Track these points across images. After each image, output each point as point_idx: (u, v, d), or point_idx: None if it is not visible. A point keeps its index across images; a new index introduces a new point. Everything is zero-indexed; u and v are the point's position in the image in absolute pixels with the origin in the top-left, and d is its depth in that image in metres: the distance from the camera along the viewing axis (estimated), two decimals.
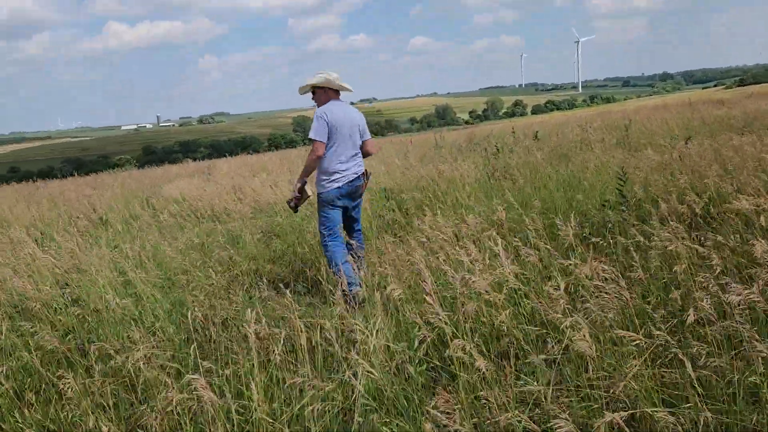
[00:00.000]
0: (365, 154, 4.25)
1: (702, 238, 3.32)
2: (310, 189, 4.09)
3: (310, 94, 4.12)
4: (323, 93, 4.03)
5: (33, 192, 14.10)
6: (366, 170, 4.20)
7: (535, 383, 2.39)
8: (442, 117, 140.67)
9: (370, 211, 6.03)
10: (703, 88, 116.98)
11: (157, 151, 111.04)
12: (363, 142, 4.17)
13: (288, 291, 3.95)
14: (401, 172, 7.90)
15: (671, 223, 3.32)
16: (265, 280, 4.39)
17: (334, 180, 3.96)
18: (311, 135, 3.88)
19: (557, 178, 6.16)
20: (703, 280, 2.46)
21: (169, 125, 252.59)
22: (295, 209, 4.15)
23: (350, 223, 4.23)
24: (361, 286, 3.51)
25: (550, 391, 2.22)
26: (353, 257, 3.77)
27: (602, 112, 26.08)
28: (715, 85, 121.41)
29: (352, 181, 4.02)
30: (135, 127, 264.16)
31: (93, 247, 5.14)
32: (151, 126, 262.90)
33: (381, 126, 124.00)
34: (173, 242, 5.32)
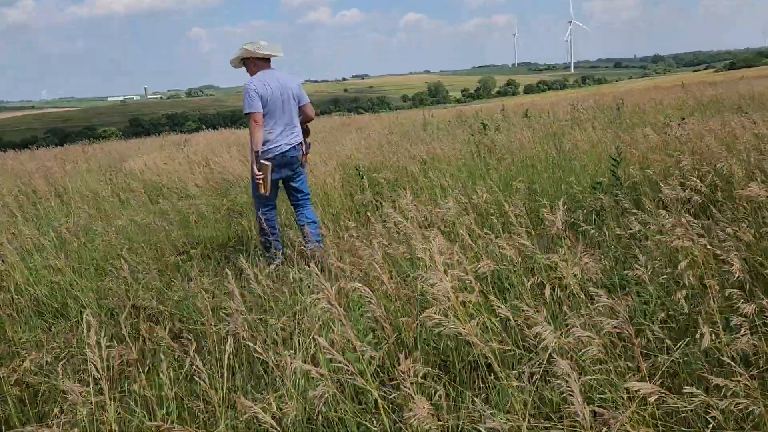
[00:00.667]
0: (306, 119, 4.17)
1: (710, 229, 2.86)
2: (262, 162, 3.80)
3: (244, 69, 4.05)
4: (252, 64, 3.97)
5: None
6: (305, 140, 4.09)
7: (507, 405, 1.96)
8: (434, 95, 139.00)
9: (342, 192, 5.55)
10: (693, 71, 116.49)
11: (143, 123, 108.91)
12: (300, 107, 4.10)
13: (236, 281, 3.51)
14: (380, 150, 7.39)
15: (673, 210, 2.87)
16: (212, 266, 3.93)
17: (266, 151, 3.86)
18: (246, 110, 3.79)
19: (545, 157, 5.69)
20: (716, 283, 2.00)
21: (156, 97, 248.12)
22: (267, 192, 3.89)
23: (293, 192, 4.16)
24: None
25: (525, 422, 1.77)
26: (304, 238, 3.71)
27: (595, 93, 25.65)
28: (705, 68, 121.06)
29: (286, 152, 3.93)
30: (122, 98, 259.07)
31: (23, 226, 4.59)
32: (138, 98, 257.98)
33: (373, 102, 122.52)
34: (114, 221, 4.79)
